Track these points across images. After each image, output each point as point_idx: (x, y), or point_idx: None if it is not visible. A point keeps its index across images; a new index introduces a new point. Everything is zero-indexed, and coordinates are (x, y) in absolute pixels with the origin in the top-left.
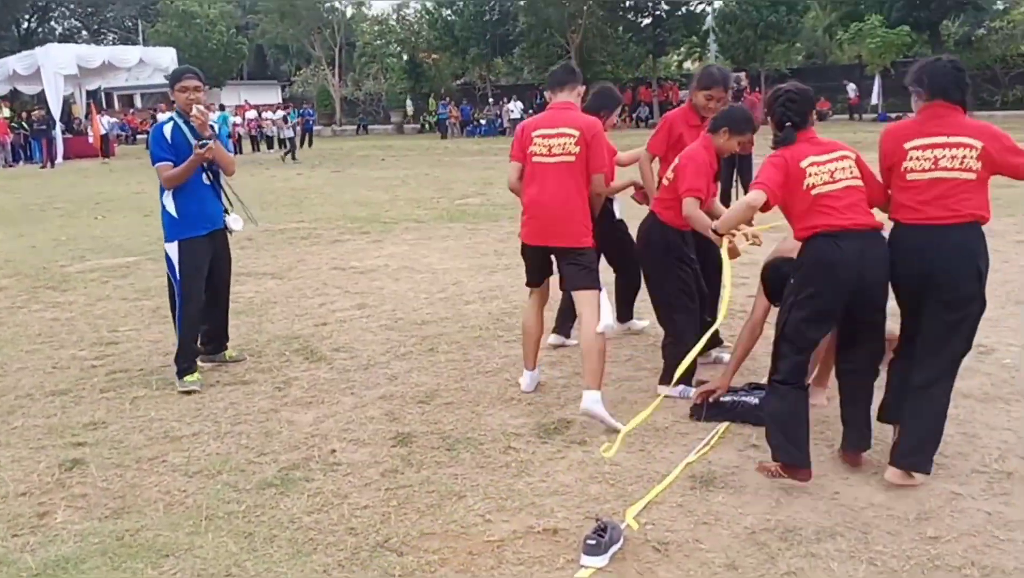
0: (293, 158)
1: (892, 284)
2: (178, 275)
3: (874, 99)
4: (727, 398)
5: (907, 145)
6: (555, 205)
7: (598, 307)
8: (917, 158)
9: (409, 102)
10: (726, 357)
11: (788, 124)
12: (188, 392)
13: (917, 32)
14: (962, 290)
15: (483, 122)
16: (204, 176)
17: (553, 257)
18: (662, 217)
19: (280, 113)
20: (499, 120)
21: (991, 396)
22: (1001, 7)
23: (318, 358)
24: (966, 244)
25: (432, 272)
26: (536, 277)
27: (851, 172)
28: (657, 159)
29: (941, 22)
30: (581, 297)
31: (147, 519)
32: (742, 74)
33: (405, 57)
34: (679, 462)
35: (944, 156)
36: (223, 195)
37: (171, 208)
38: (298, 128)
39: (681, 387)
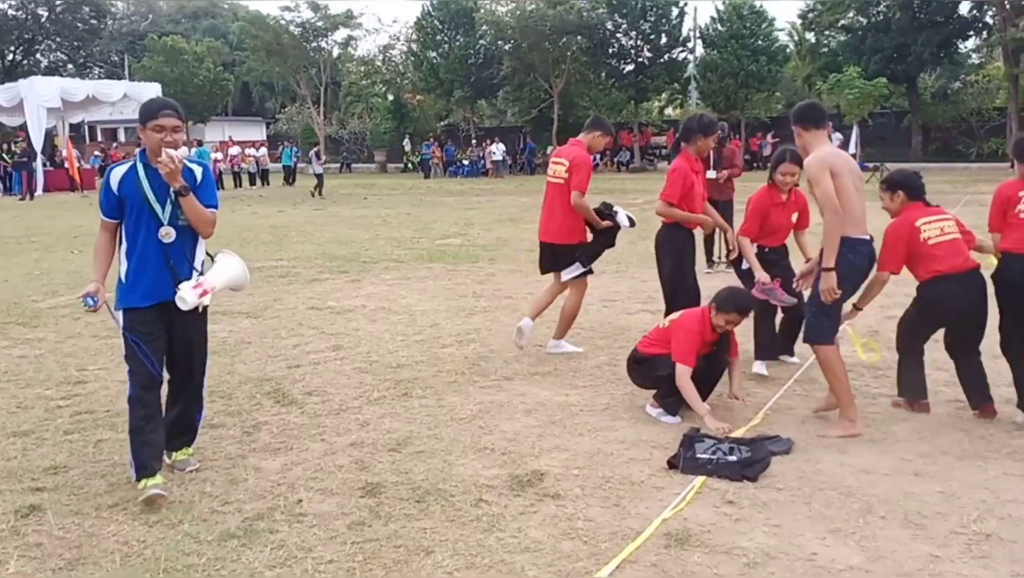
0: (320, 194)
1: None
2: (123, 351)
3: (852, 148)
4: (704, 455)
5: (1021, 193)
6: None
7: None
8: None
9: (407, 141)
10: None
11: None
12: (149, 500)
13: (895, 84)
14: None
15: (466, 163)
16: (163, 234)
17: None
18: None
19: (263, 150)
20: (482, 161)
21: (968, 453)
22: (976, 61)
23: (289, 402)
24: None
25: (410, 313)
26: (544, 267)
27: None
28: None
29: (918, 75)
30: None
31: (102, 571)
32: (724, 124)
33: (390, 97)
34: (654, 518)
35: None
36: (191, 260)
37: (122, 269)
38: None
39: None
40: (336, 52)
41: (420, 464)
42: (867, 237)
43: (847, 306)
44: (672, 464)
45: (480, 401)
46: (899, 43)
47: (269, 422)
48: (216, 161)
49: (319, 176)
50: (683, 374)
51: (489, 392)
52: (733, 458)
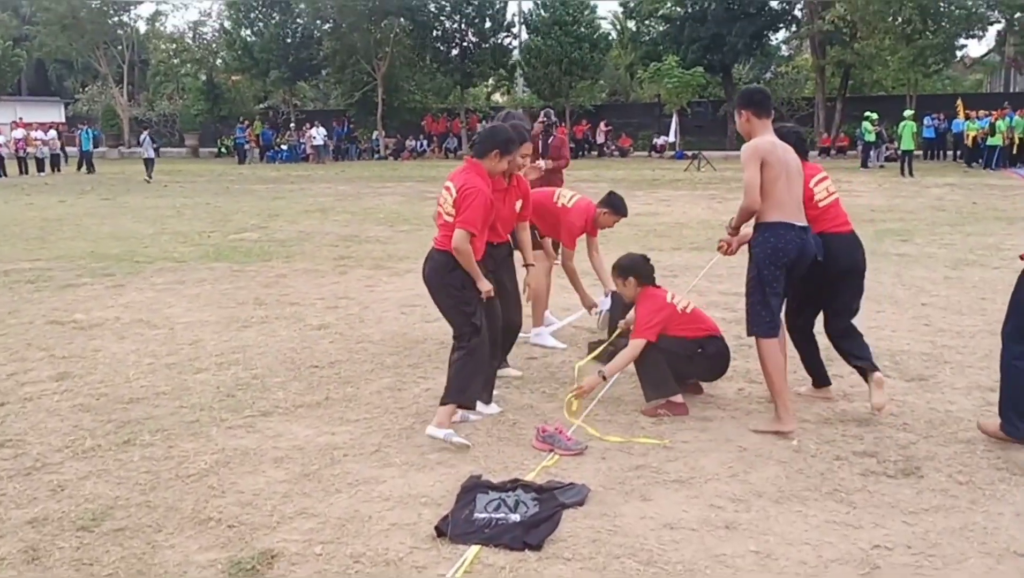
0: (150, 178)
1: None
2: None
3: (671, 137)
4: (483, 514)
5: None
6: None
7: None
8: None
9: (259, 122)
10: None
11: None
12: None
13: (711, 74)
14: None
15: (284, 148)
16: None
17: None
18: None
19: (52, 133)
20: (302, 146)
21: (786, 493)
22: (786, 53)
23: None
24: None
25: (170, 327)
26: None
27: None
28: None
29: (733, 65)
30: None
31: None
32: (551, 111)
33: (203, 78)
34: None
35: None
36: None
37: None
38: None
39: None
40: (144, 28)
41: (114, 548)
42: (794, 223)
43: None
44: (440, 530)
45: (222, 447)
46: (715, 33)
47: None
48: None
49: (150, 160)
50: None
51: (236, 434)
52: (516, 517)
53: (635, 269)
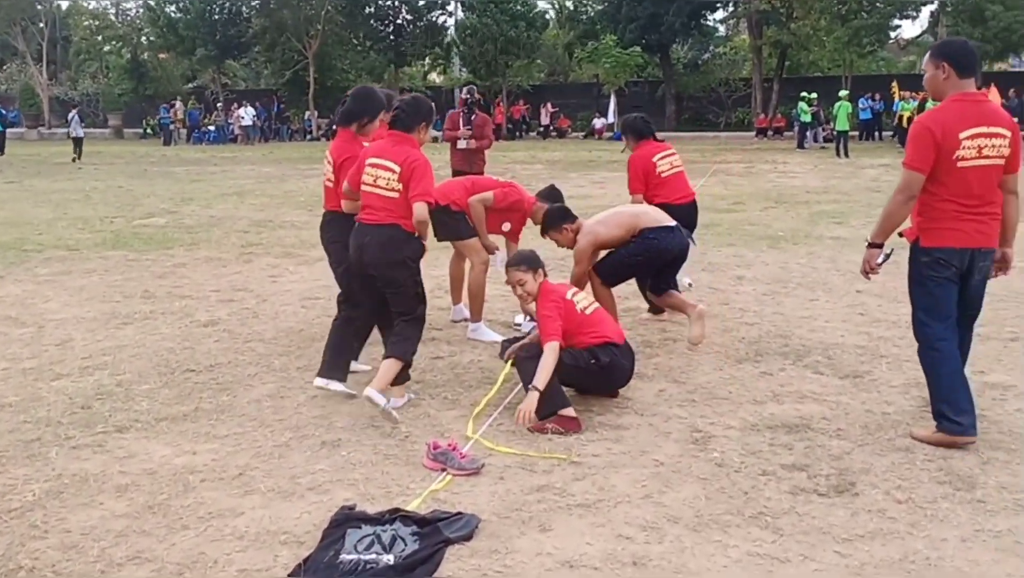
0: (79, 159)
1: None
2: None
3: (610, 117)
4: (351, 555)
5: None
6: None
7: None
8: None
9: (193, 100)
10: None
11: None
12: None
13: (649, 54)
14: None
15: (212, 128)
16: None
17: None
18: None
19: None
20: (230, 127)
21: (704, 518)
22: (723, 33)
23: None
24: None
25: (40, 325)
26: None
27: None
28: None
29: (671, 45)
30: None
31: None
32: (474, 88)
33: (127, 56)
34: None
35: None
36: None
37: None
38: None
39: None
40: (64, 5)
41: None
42: (665, 225)
43: None
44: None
45: (59, 473)
46: (652, 13)
47: None
48: None
49: (78, 140)
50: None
51: (81, 455)
52: (390, 558)
53: (540, 263)
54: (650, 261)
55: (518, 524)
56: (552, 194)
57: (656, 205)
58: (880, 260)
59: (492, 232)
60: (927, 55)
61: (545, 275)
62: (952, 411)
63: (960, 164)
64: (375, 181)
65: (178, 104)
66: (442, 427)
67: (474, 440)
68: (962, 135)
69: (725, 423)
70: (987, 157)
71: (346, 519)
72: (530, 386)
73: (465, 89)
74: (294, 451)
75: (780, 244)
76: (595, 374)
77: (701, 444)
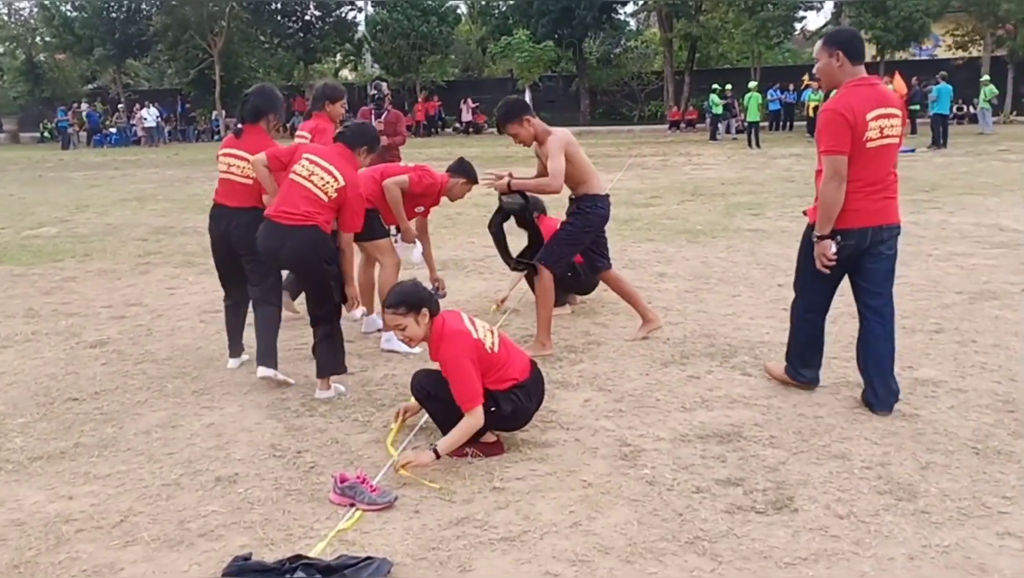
0: None
1: None
2: None
3: None
4: None
5: None
6: None
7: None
8: None
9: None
10: None
11: None
12: None
13: (562, 48)
14: None
15: (113, 131)
16: None
17: None
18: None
19: None
20: (132, 128)
21: (638, 546)
22: (634, 27)
23: None
24: None
25: None
26: None
27: None
28: None
29: (583, 39)
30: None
31: None
32: (383, 83)
33: (21, 57)
34: None
35: None
36: None
37: None
38: None
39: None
40: None
41: None
42: (605, 194)
43: None
44: None
45: None
46: (564, 7)
47: None
48: None
49: None
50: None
51: None
52: None
53: (424, 299)
54: (595, 231)
55: (435, 566)
56: (463, 167)
57: None
58: (834, 249)
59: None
60: (818, 44)
61: (433, 311)
62: (801, 364)
63: (868, 145)
64: (315, 180)
65: (84, 106)
66: (352, 454)
67: (388, 465)
68: (868, 117)
69: (654, 434)
70: (887, 137)
71: (240, 571)
72: (432, 445)
73: (373, 84)
74: (184, 490)
75: (699, 238)
76: (495, 420)
77: (631, 460)
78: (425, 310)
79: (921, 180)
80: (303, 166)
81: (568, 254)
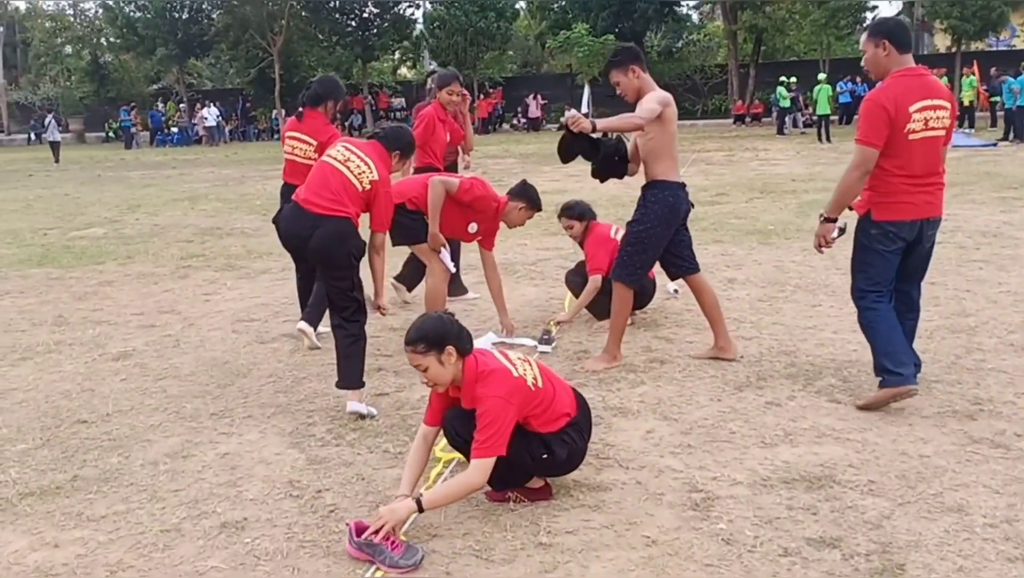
0: (57, 161)
1: None
2: None
3: (584, 108)
4: None
5: None
6: None
7: None
8: None
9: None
10: None
11: None
12: None
13: (623, 42)
14: None
15: (175, 130)
16: None
17: None
18: None
19: None
20: (194, 128)
21: None
22: (696, 20)
23: None
24: None
25: None
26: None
27: None
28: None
29: (645, 33)
30: None
31: None
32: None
33: (88, 58)
34: None
35: None
36: None
37: None
38: None
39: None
40: (24, 7)
41: None
42: (676, 181)
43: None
44: None
45: None
46: (625, 0)
47: None
48: None
49: (56, 144)
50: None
51: None
52: None
53: (450, 335)
54: (668, 226)
55: None
56: (526, 190)
57: None
58: (835, 234)
59: (455, 234)
60: (864, 36)
61: (461, 350)
62: (892, 364)
63: (911, 137)
64: (354, 170)
65: (161, 106)
66: (378, 495)
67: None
68: (911, 108)
69: (730, 477)
70: (932, 129)
71: None
72: (417, 496)
73: (429, 78)
74: (184, 539)
75: (771, 239)
76: (547, 468)
77: (703, 510)
78: (451, 348)
79: (1008, 176)
80: (338, 151)
81: (642, 263)
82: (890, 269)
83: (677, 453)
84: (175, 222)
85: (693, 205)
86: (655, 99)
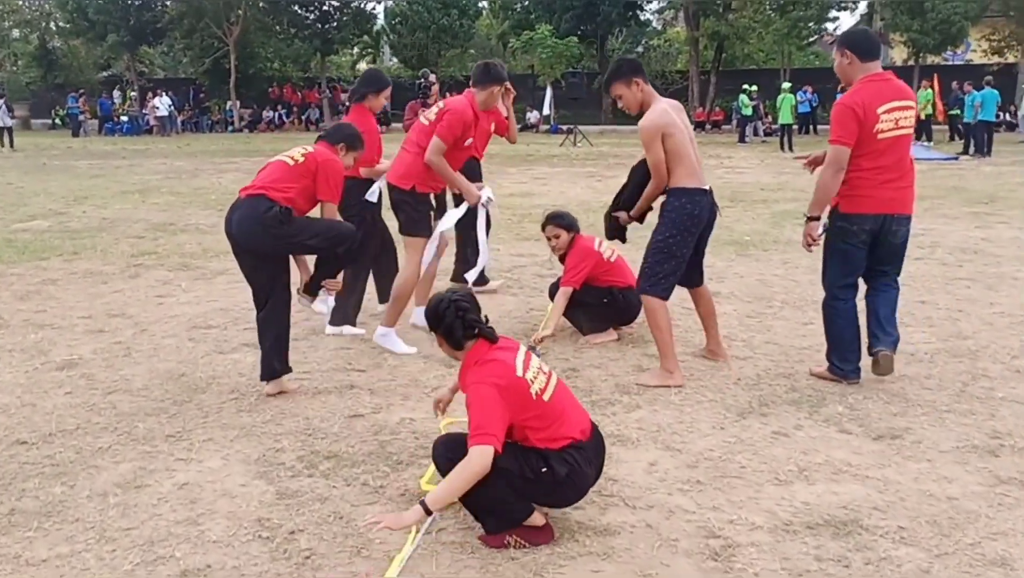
0: (12, 147)
1: None
2: None
3: (546, 110)
4: None
5: None
6: None
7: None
8: None
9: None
10: None
11: None
12: None
13: (585, 45)
14: None
15: (125, 119)
16: None
17: None
18: None
19: None
20: (144, 117)
21: None
22: (657, 27)
23: None
24: None
25: None
26: None
27: None
28: None
29: (607, 36)
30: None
31: None
32: (427, 71)
33: (37, 42)
34: None
35: None
36: None
37: None
38: None
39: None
40: None
41: None
42: (705, 188)
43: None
44: None
45: None
46: (588, 2)
47: None
48: None
49: (7, 129)
50: None
51: None
52: None
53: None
54: (690, 233)
55: None
56: (484, 71)
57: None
58: (820, 231)
59: (462, 162)
60: (834, 46)
61: (454, 340)
62: (838, 359)
63: (880, 136)
64: (289, 152)
65: (117, 94)
66: (360, 538)
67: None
68: (879, 110)
69: (747, 519)
70: (901, 128)
71: None
72: (422, 500)
73: (421, 74)
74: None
75: (749, 250)
76: (545, 486)
77: (723, 560)
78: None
79: (976, 191)
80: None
81: (667, 271)
82: (857, 261)
83: (686, 490)
84: (125, 216)
85: (719, 209)
86: (649, 141)
